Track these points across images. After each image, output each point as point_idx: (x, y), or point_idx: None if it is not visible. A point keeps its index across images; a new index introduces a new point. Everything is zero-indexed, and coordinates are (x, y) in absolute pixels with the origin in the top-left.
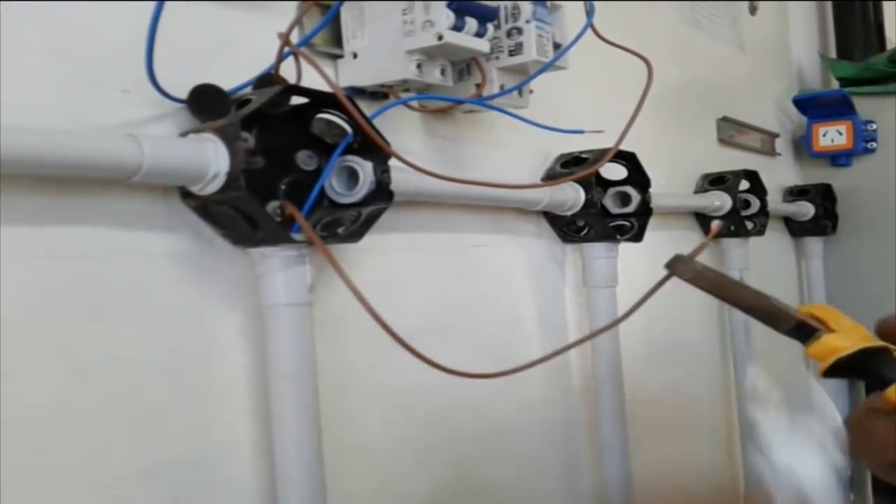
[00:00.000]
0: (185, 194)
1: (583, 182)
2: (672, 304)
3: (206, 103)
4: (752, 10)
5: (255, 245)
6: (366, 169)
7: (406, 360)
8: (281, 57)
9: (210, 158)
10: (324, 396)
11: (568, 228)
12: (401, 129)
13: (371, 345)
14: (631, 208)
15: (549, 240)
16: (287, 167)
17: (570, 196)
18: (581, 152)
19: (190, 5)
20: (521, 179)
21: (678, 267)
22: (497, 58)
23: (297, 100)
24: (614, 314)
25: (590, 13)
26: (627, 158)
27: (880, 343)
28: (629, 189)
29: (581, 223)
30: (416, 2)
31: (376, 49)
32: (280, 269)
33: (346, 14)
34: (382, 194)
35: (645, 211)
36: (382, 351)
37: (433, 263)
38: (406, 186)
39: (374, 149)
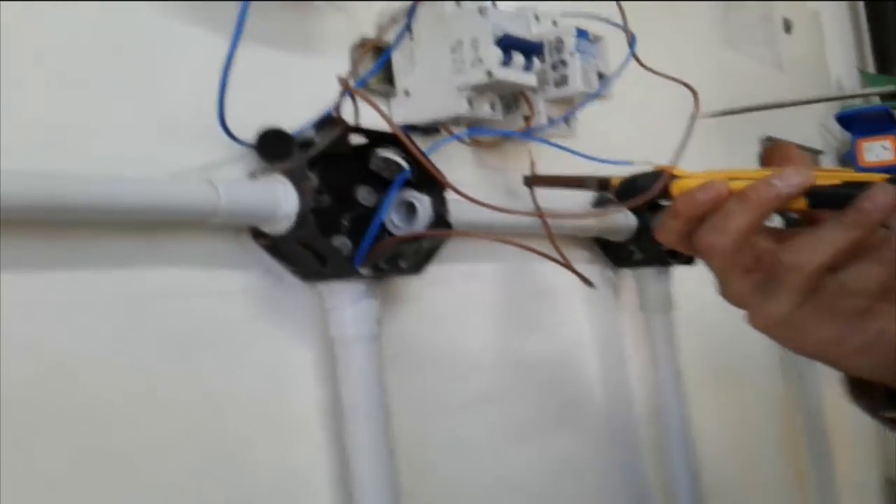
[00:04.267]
0: (256, 234)
1: (636, 210)
2: (728, 323)
3: (272, 146)
4: (787, 28)
5: (324, 280)
6: (424, 203)
7: (471, 390)
8: (341, 99)
9: (280, 199)
10: (397, 427)
11: (620, 253)
12: (452, 161)
13: (438, 375)
14: None
15: (602, 265)
16: (348, 203)
17: (623, 222)
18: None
19: (253, 52)
20: (569, 206)
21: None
22: (544, 90)
23: (355, 138)
24: (672, 339)
25: (631, 43)
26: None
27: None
28: None
29: (633, 248)
30: (465, 41)
31: (427, 86)
32: (348, 304)
33: (397, 54)
34: (441, 226)
35: None
36: (449, 381)
37: (492, 292)
38: (462, 217)
39: (431, 183)
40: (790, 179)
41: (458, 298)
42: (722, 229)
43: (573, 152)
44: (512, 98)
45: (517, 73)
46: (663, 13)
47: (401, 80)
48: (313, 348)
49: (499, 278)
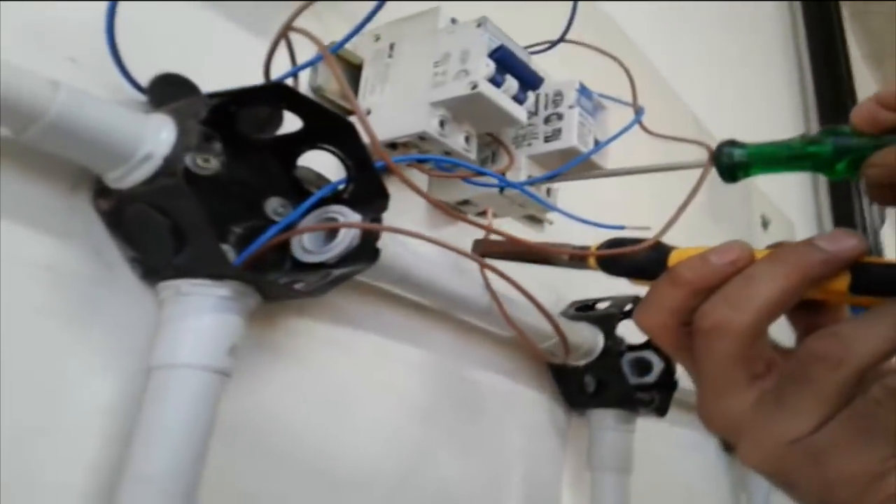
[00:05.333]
0: (100, 191)
1: (603, 325)
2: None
3: (169, 95)
4: (765, 225)
5: (173, 276)
6: (350, 220)
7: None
8: (273, 50)
9: (147, 133)
10: None
11: (573, 385)
12: (401, 216)
13: (294, 478)
14: (651, 378)
15: (550, 397)
16: (252, 210)
17: (587, 338)
18: (598, 299)
19: (206, 17)
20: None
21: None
22: (529, 144)
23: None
24: None
25: (639, 113)
26: None
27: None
28: (649, 354)
29: (594, 380)
30: (453, 53)
31: (396, 103)
32: (197, 313)
33: (369, 69)
34: (366, 252)
35: (668, 383)
36: (309, 491)
37: (404, 385)
38: (395, 261)
39: (368, 198)
40: (842, 241)
41: (358, 374)
42: (741, 301)
43: (553, 208)
44: (490, 153)
45: (505, 98)
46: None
47: (365, 97)
48: (117, 378)
49: (419, 368)
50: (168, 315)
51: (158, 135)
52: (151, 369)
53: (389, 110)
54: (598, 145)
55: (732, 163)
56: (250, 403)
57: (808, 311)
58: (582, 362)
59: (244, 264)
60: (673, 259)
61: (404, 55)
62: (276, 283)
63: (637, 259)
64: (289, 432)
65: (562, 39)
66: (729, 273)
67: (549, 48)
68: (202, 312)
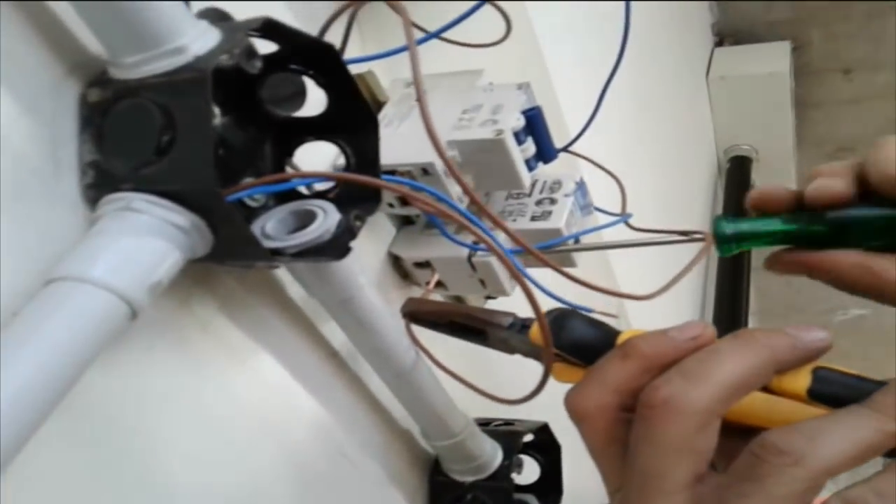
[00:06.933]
0: (97, 82)
1: (505, 442)
2: None
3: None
4: None
5: (131, 189)
6: (330, 215)
7: None
8: (332, 20)
9: (190, 29)
10: None
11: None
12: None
13: (99, 470)
14: None
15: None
16: (223, 179)
17: (486, 451)
18: (504, 420)
19: None
20: None
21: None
22: (514, 220)
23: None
24: None
25: (627, 215)
26: (545, 451)
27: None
28: (531, 499)
29: (471, 498)
30: (486, 106)
31: (410, 135)
32: (138, 233)
33: (392, 108)
34: (336, 246)
35: None
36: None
37: (285, 433)
38: (351, 279)
39: (355, 200)
40: (811, 332)
41: (246, 402)
42: (701, 375)
43: (528, 276)
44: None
45: (520, 157)
46: None
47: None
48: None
49: (308, 423)
50: (100, 229)
51: (201, 34)
52: (49, 282)
53: (401, 140)
54: (580, 231)
55: (729, 235)
56: (120, 382)
57: (735, 436)
58: (469, 479)
59: (228, 189)
60: (622, 339)
61: (434, 101)
62: (243, 226)
63: (587, 333)
64: (140, 436)
65: (564, 149)
66: (689, 349)
67: (563, 150)
68: (144, 233)
